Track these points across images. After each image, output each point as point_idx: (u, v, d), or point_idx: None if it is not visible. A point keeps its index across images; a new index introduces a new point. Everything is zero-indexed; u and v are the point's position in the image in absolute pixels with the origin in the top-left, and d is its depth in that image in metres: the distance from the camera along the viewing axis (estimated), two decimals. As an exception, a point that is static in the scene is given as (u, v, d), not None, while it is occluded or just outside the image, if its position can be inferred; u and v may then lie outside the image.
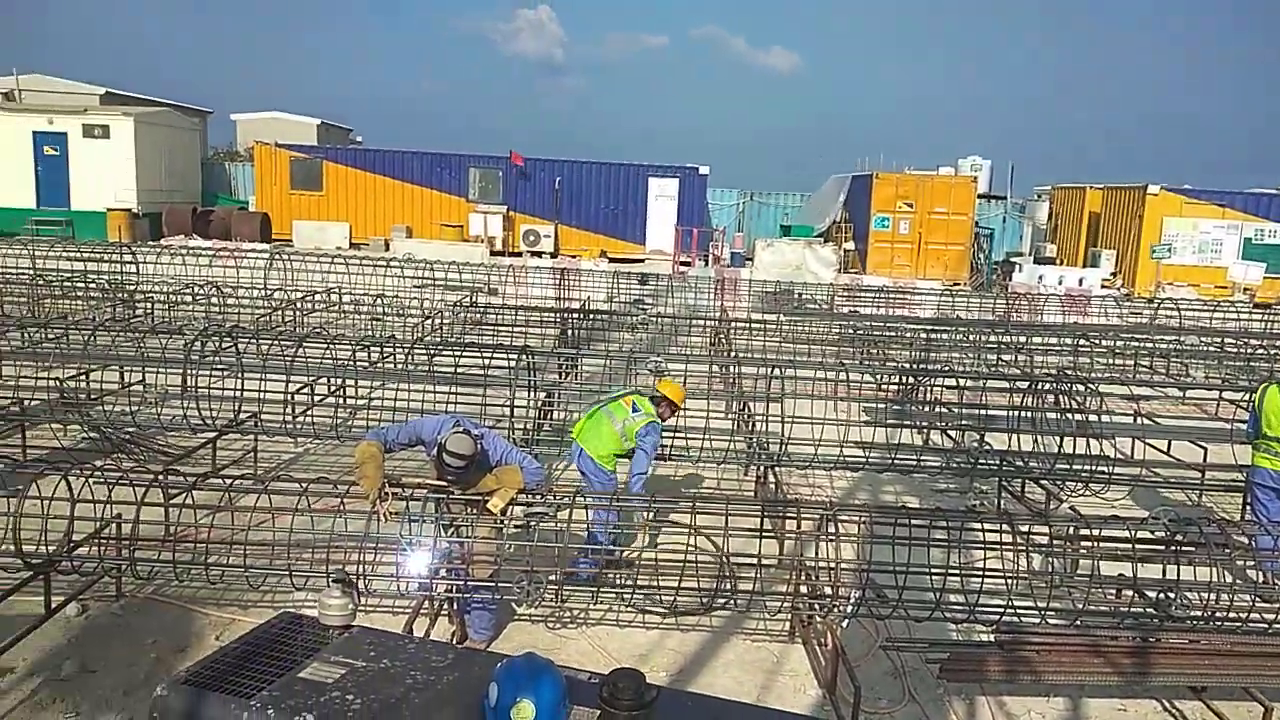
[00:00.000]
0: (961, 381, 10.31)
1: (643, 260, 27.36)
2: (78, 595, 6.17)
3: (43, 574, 5.88)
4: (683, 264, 26.18)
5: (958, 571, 5.93)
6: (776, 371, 9.45)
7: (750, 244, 28.54)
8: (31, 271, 17.39)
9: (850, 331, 16.63)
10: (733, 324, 15.53)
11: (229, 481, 6.30)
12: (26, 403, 9.38)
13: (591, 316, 15.36)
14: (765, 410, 9.25)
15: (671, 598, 6.18)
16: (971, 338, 15.09)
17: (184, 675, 2.81)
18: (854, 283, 23.81)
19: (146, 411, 9.28)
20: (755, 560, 6.16)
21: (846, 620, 6.00)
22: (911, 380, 11.27)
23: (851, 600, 5.93)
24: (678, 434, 9.16)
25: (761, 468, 9.21)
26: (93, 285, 15.70)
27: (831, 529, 6.01)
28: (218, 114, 40.35)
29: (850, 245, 27.90)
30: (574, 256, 26.79)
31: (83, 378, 10.03)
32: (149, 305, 14.76)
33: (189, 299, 14.94)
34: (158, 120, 28.70)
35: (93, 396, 9.73)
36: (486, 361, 9.54)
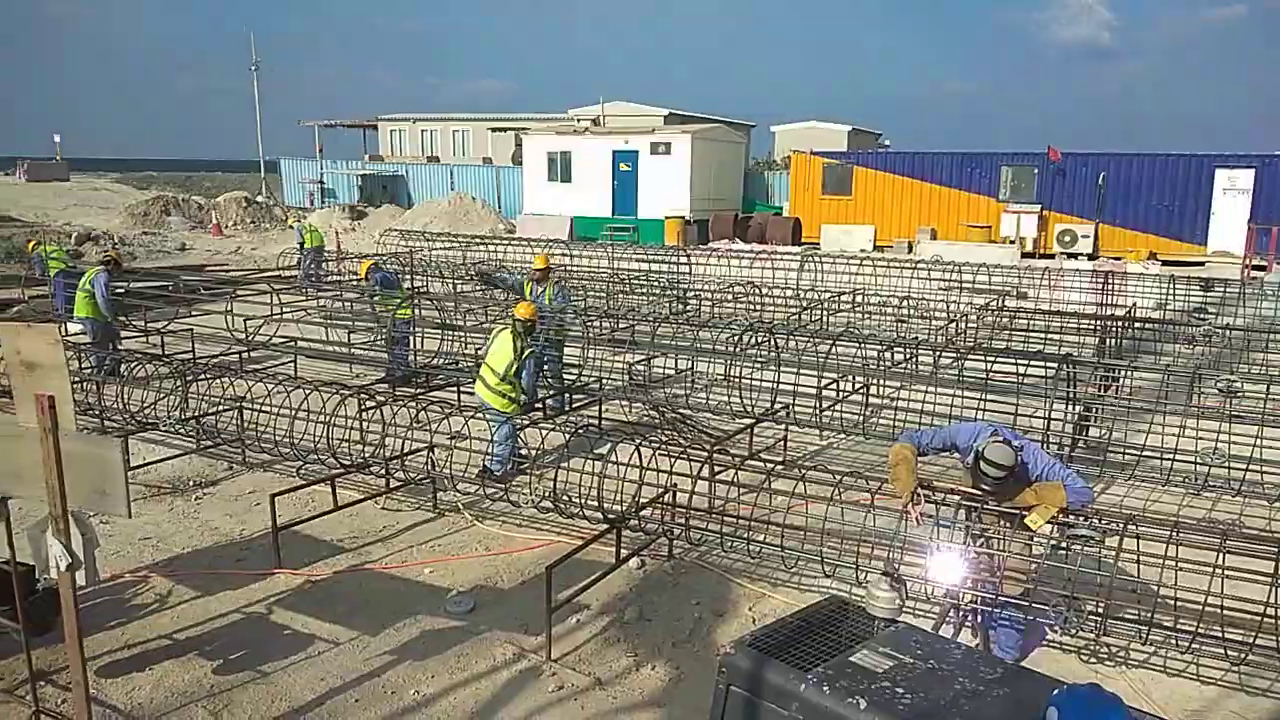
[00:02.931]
0: None
1: (1203, 263, 23.87)
2: (639, 551, 7.10)
3: (615, 528, 6.85)
4: (1256, 268, 22.31)
5: None
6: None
7: (1356, 244, 23.43)
8: (609, 270, 20.45)
9: None
10: (1330, 340, 12.89)
11: (770, 466, 6.80)
12: (604, 381, 11.06)
13: (1138, 325, 13.81)
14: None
15: (1242, 654, 5.33)
16: None
17: (749, 639, 3.10)
18: None
19: (696, 396, 10.43)
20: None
21: None
22: None
23: None
24: (1234, 465, 7.90)
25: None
26: (654, 283, 18.04)
27: None
28: (760, 126, 43.83)
29: None
30: (1117, 258, 24.25)
31: (646, 363, 11.54)
32: (698, 302, 16.53)
33: (731, 297, 16.43)
34: (710, 136, 31.90)
35: (653, 380, 11.13)
36: (1021, 369, 9.07)
